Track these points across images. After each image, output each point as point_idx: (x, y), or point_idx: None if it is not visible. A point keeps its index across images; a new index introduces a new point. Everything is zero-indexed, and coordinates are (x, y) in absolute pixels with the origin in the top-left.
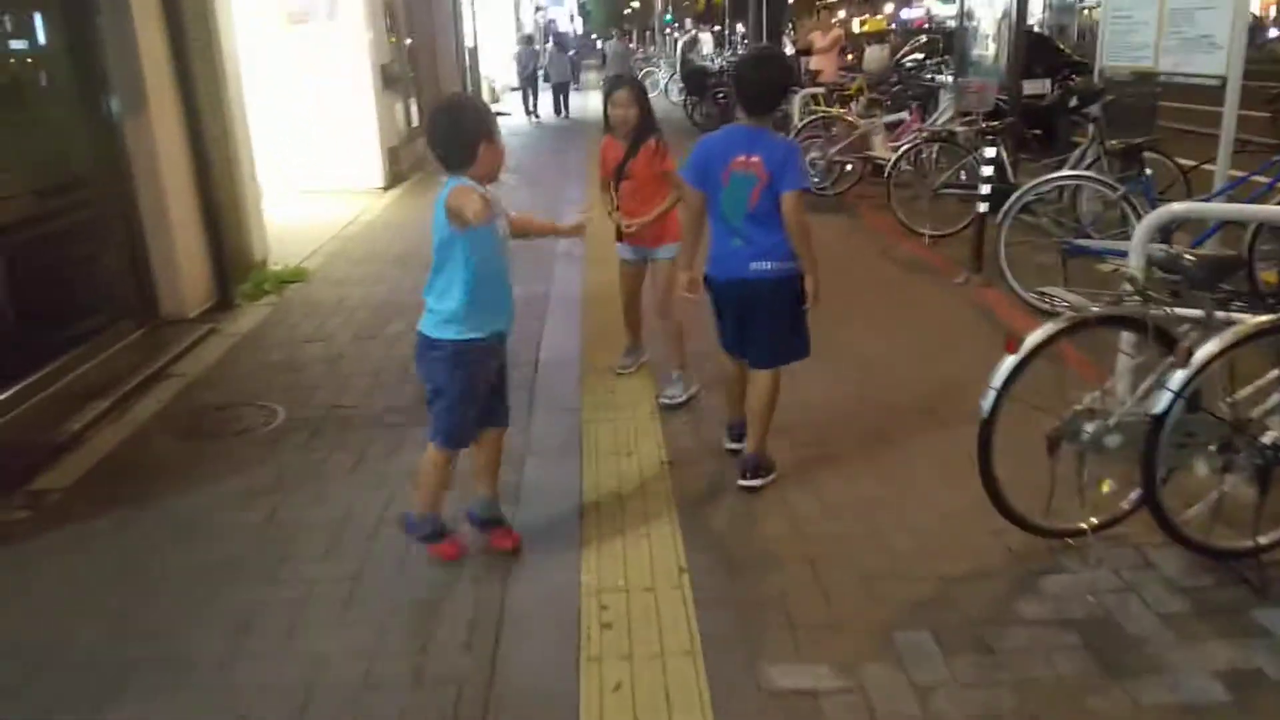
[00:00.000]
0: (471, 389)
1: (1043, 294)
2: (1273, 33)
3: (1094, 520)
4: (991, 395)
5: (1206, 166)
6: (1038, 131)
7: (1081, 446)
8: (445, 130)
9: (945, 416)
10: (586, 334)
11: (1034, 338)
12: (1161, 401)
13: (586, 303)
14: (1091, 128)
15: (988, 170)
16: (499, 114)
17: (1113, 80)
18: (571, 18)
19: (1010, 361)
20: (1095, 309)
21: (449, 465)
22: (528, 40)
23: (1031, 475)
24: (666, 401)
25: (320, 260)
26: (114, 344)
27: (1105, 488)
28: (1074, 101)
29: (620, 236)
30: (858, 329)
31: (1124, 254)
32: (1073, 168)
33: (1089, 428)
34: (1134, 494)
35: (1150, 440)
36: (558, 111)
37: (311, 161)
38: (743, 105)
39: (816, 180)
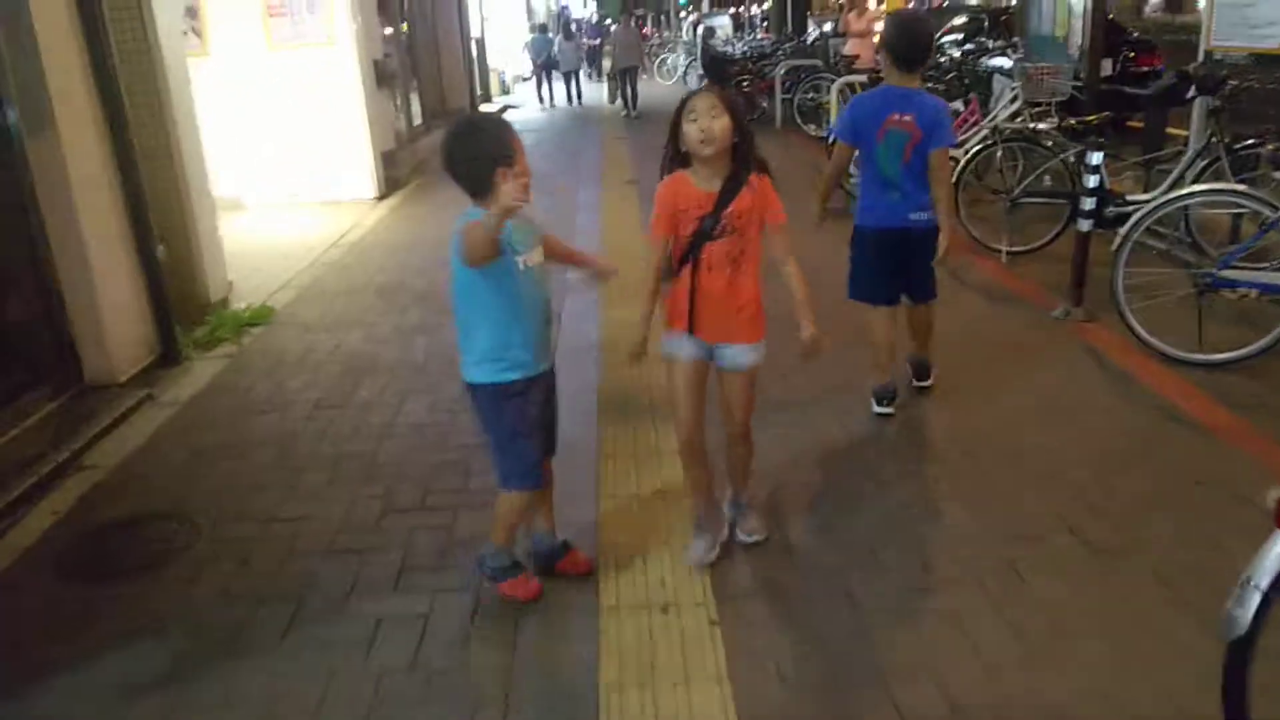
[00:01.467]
0: (519, 427)
1: None
2: None
3: None
4: (1254, 599)
5: None
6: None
7: None
8: (456, 158)
9: (1113, 545)
10: (605, 420)
11: None
12: None
13: (607, 356)
14: (1208, 123)
15: (1092, 181)
16: (507, 107)
17: (1233, 64)
18: (585, 3)
19: None
20: None
21: (528, 506)
22: (541, 29)
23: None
24: (749, 539)
25: (292, 294)
26: (18, 423)
27: None
28: (1191, 90)
29: (678, 321)
30: (956, 398)
31: None
32: (1186, 173)
33: None
34: None
35: None
36: (570, 100)
37: (294, 172)
38: (895, 64)
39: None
